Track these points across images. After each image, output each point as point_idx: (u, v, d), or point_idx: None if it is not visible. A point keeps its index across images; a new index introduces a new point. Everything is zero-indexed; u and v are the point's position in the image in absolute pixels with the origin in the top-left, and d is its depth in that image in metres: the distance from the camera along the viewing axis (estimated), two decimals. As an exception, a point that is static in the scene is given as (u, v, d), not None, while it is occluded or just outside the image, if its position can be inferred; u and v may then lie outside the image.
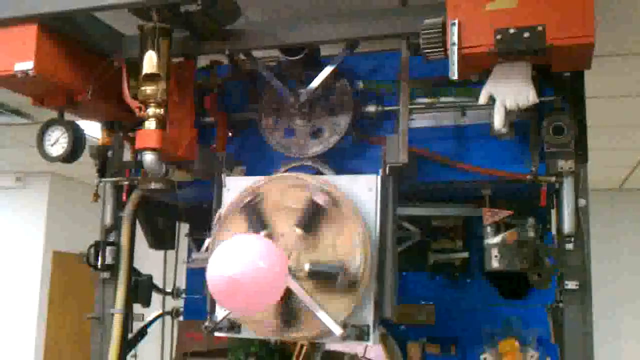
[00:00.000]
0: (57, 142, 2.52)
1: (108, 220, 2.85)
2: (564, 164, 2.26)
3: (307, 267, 2.13)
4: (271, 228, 2.24)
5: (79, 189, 7.18)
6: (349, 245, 2.14)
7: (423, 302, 3.03)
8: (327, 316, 2.06)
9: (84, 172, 6.50)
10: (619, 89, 4.29)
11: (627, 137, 5.39)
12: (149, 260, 3.40)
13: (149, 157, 2.30)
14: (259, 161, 2.66)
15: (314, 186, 2.19)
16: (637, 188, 7.54)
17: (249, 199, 2.26)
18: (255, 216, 2.25)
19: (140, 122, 2.34)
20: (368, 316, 2.16)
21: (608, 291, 7.21)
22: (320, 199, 2.15)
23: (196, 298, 3.36)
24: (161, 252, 3.43)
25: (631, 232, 7.64)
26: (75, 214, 6.97)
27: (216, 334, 2.40)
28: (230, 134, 2.73)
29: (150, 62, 2.24)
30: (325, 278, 2.13)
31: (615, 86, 4.21)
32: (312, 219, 2.19)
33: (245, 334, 2.38)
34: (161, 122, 2.29)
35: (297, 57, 2.43)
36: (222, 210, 2.34)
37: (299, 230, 2.19)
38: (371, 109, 2.51)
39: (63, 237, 7.05)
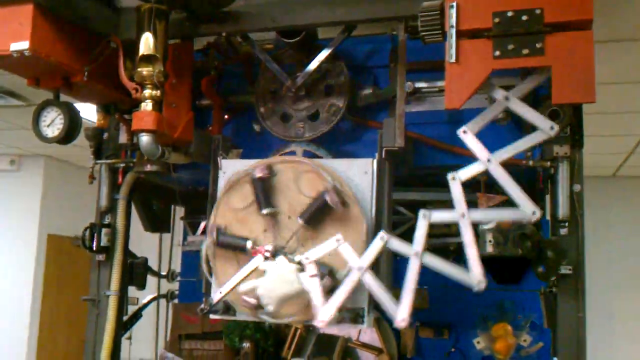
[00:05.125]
0: (53, 123, 2.50)
1: (103, 202, 2.84)
2: (560, 149, 2.26)
3: (296, 258, 2.14)
4: (277, 207, 2.26)
5: (74, 172, 7.15)
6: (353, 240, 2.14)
7: (417, 287, 3.04)
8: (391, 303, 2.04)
9: (78, 155, 6.49)
10: (613, 76, 4.29)
11: (621, 124, 5.40)
12: (144, 243, 3.40)
13: (145, 139, 2.29)
14: (255, 144, 2.65)
15: (328, 183, 2.18)
16: (631, 175, 7.57)
17: (262, 173, 2.25)
18: (264, 192, 2.25)
19: (136, 104, 2.33)
20: (363, 300, 2.17)
21: (601, 277, 7.27)
22: (331, 199, 2.14)
23: (191, 281, 3.37)
24: (156, 235, 3.45)
25: (624, 218, 7.68)
26: (70, 197, 6.95)
27: (211, 316, 2.42)
28: (226, 116, 2.73)
29: (147, 43, 2.23)
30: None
31: (609, 73, 4.21)
32: (318, 214, 2.19)
33: (240, 316, 2.39)
34: (157, 104, 2.29)
35: (294, 40, 2.42)
36: (231, 177, 2.34)
37: (301, 221, 2.20)
38: (367, 92, 2.51)
39: (58, 221, 7.03)
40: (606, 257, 7.46)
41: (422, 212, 2.03)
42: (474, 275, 1.99)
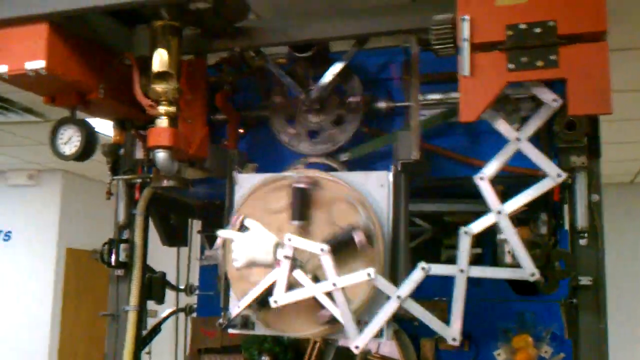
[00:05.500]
0: (70, 140, 2.52)
1: (121, 217, 2.87)
2: (577, 159, 2.24)
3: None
4: (309, 223, 2.25)
5: (91, 187, 7.21)
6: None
7: (436, 299, 3.02)
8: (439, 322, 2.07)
9: (96, 170, 6.54)
10: (629, 83, 4.26)
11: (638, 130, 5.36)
12: (162, 258, 3.42)
13: (161, 155, 2.30)
14: (271, 158, 2.66)
15: (362, 221, 2.17)
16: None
17: (304, 183, 2.24)
18: (300, 203, 2.24)
19: (151, 120, 2.34)
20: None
21: (622, 286, 7.18)
22: (359, 240, 2.13)
23: (209, 295, 3.37)
24: (174, 250, 3.46)
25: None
26: (89, 211, 7.01)
27: (230, 330, 2.42)
28: (241, 131, 2.74)
29: (160, 60, 2.25)
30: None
31: (626, 80, 4.18)
32: (342, 246, 2.17)
33: (259, 331, 2.39)
34: (173, 120, 2.30)
35: (306, 54, 2.43)
36: (266, 177, 2.35)
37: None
38: (382, 105, 2.51)
39: (77, 235, 7.09)
40: (626, 265, 7.38)
41: (463, 229, 2.03)
42: (452, 330, 2.02)
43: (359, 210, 2.19)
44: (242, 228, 2.26)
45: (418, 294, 2.15)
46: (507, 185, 2.54)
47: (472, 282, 3.05)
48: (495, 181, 2.42)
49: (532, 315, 2.91)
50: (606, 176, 2.44)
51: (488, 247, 2.96)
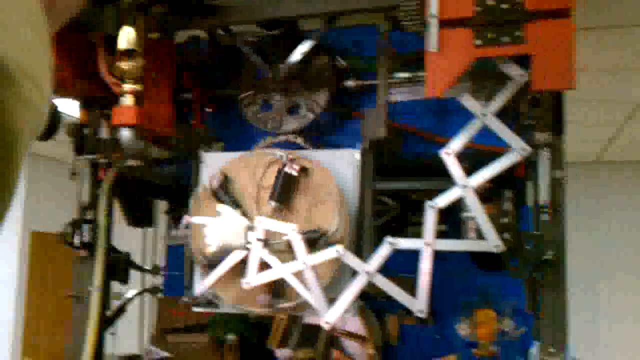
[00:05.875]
0: (32, 119, 2.47)
1: (85, 198, 2.83)
2: (541, 136, 2.27)
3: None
4: (244, 207, 2.28)
5: (57, 169, 7.07)
6: (327, 211, 2.18)
7: (403, 275, 3.06)
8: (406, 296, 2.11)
9: (62, 152, 6.40)
10: (596, 63, 4.34)
11: (604, 111, 5.47)
12: (129, 239, 3.40)
13: (125, 134, 2.28)
14: (239, 137, 2.65)
15: (279, 156, 2.23)
16: (614, 161, 7.67)
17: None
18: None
19: (117, 99, 2.32)
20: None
21: (585, 263, 7.38)
22: (290, 167, 2.18)
23: (176, 275, 3.36)
24: (140, 230, 3.44)
25: (607, 204, 7.80)
26: (54, 194, 6.87)
27: (195, 309, 2.42)
28: (210, 110, 2.72)
29: (126, 37, 2.21)
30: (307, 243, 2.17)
31: (592, 60, 4.26)
32: (286, 190, 2.22)
33: (224, 309, 2.40)
34: (138, 99, 2.27)
35: (275, 32, 2.42)
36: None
37: (273, 203, 2.21)
38: (351, 83, 2.52)
39: (42, 217, 6.96)
40: (590, 244, 7.57)
41: (429, 203, 2.06)
42: (418, 303, 2.08)
43: (273, 153, 2.27)
44: (223, 185, 2.26)
45: (385, 272, 2.19)
46: (472, 163, 2.60)
47: (437, 258, 3.13)
48: (461, 159, 2.47)
49: (495, 290, 2.97)
50: (570, 156, 2.49)
51: (453, 226, 3.01)
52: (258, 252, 2.17)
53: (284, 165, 2.21)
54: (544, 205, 2.31)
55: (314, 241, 2.19)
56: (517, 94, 2.10)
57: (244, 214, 2.27)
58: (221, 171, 2.33)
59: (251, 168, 2.31)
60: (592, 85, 4.69)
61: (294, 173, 2.20)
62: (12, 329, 6.77)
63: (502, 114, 2.36)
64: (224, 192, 2.30)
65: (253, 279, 2.16)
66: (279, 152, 2.25)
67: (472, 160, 2.55)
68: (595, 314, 7.63)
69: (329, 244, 2.15)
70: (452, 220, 2.95)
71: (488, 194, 2.83)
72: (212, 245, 2.24)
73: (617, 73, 4.52)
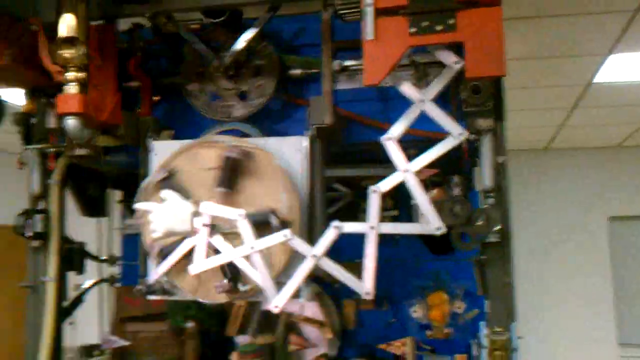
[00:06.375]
0: (-25, 110, 2.45)
1: (36, 188, 2.80)
2: (483, 122, 2.30)
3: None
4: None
5: (10, 160, 6.96)
6: (275, 192, 2.22)
7: (357, 261, 3.10)
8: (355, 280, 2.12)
9: (15, 143, 6.31)
10: (544, 50, 4.40)
11: (553, 97, 5.54)
12: (84, 229, 3.37)
13: (71, 122, 2.26)
14: (187, 125, 2.64)
15: (220, 141, 2.24)
16: (562, 148, 7.80)
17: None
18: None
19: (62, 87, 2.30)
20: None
21: (534, 247, 7.56)
22: (275, 223, 2.18)
23: (132, 264, 3.35)
24: (95, 221, 3.42)
25: (556, 190, 7.96)
26: (7, 186, 6.77)
27: (150, 297, 2.43)
28: (156, 98, 2.71)
29: (67, 25, 2.19)
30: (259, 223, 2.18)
31: (540, 47, 4.31)
32: (232, 175, 2.23)
33: (179, 296, 2.41)
34: (82, 86, 2.25)
35: (219, 20, 2.41)
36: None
37: (220, 189, 2.22)
38: (296, 71, 2.53)
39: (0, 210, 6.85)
40: (538, 229, 7.74)
41: (371, 188, 2.09)
42: (365, 285, 2.11)
43: (214, 140, 2.27)
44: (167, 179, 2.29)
45: (340, 258, 2.22)
46: (419, 149, 2.63)
47: (389, 244, 3.17)
48: (408, 145, 2.50)
49: (447, 274, 3.03)
50: (520, 143, 2.54)
51: (404, 211, 3.05)
52: (205, 238, 2.17)
53: (228, 151, 2.20)
54: (489, 190, 2.35)
55: (266, 224, 2.20)
56: (458, 81, 2.14)
57: (196, 202, 2.27)
58: (162, 166, 2.33)
59: (195, 157, 2.31)
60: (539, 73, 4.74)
61: (237, 157, 2.20)
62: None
63: (446, 102, 2.40)
64: (170, 185, 2.30)
65: (200, 265, 2.17)
66: (221, 138, 2.25)
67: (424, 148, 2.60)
68: (541, 290, 7.80)
69: (282, 226, 2.17)
70: (404, 206, 3.00)
71: (440, 179, 2.88)
72: (157, 232, 2.24)
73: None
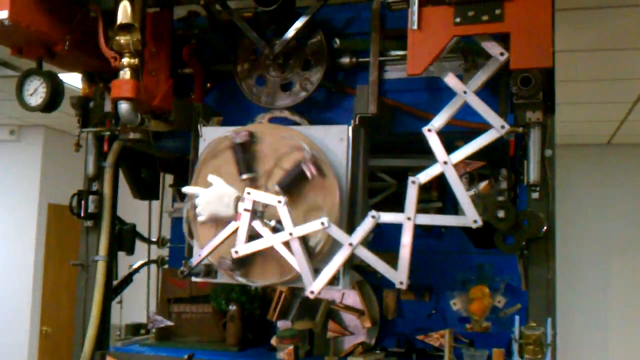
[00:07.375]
0: (36, 92, 2.55)
1: (91, 170, 2.91)
2: (532, 115, 2.28)
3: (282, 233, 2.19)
4: (256, 173, 2.33)
5: (73, 142, 7.18)
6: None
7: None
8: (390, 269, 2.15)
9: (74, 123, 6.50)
10: (605, 42, 4.28)
11: (615, 90, 5.38)
12: (136, 211, 3.47)
13: (123, 107, 2.34)
14: (237, 112, 2.70)
15: (306, 153, 2.24)
16: (625, 143, 7.57)
17: (242, 139, 2.31)
18: (244, 158, 2.32)
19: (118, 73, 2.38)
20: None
21: (598, 245, 7.33)
22: (309, 170, 2.21)
23: (180, 247, 3.43)
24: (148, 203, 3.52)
25: (619, 186, 7.71)
26: (70, 167, 6.98)
27: (193, 279, 2.49)
28: (209, 85, 2.77)
29: (124, 12, 2.27)
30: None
31: (601, 39, 4.20)
32: (295, 182, 2.26)
33: (221, 279, 2.46)
34: (135, 72, 2.33)
35: (271, 8, 2.44)
36: (211, 142, 2.42)
37: (277, 188, 2.26)
38: (345, 60, 2.54)
39: (58, 190, 7.09)
40: (602, 225, 7.51)
41: (410, 179, 2.09)
42: (399, 274, 2.11)
43: (302, 145, 2.26)
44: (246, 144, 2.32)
45: (381, 248, 2.24)
46: (466, 141, 2.61)
47: (435, 236, 3.16)
48: (457, 137, 2.49)
49: (491, 268, 3.00)
50: (582, 137, 2.48)
51: (449, 203, 3.05)
52: (247, 222, 2.22)
53: (303, 163, 2.22)
54: (534, 184, 2.32)
55: (299, 178, 2.24)
56: (506, 72, 2.12)
57: (253, 179, 2.33)
58: (248, 130, 2.35)
59: (277, 140, 2.34)
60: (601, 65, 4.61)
61: (309, 175, 2.22)
62: (31, 299, 6.95)
63: (497, 92, 2.38)
64: (243, 150, 2.33)
65: (241, 248, 2.22)
66: (307, 146, 2.26)
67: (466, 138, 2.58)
68: (604, 295, 7.57)
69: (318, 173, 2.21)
70: (450, 199, 2.99)
71: (487, 172, 2.86)
72: (202, 215, 2.30)
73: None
